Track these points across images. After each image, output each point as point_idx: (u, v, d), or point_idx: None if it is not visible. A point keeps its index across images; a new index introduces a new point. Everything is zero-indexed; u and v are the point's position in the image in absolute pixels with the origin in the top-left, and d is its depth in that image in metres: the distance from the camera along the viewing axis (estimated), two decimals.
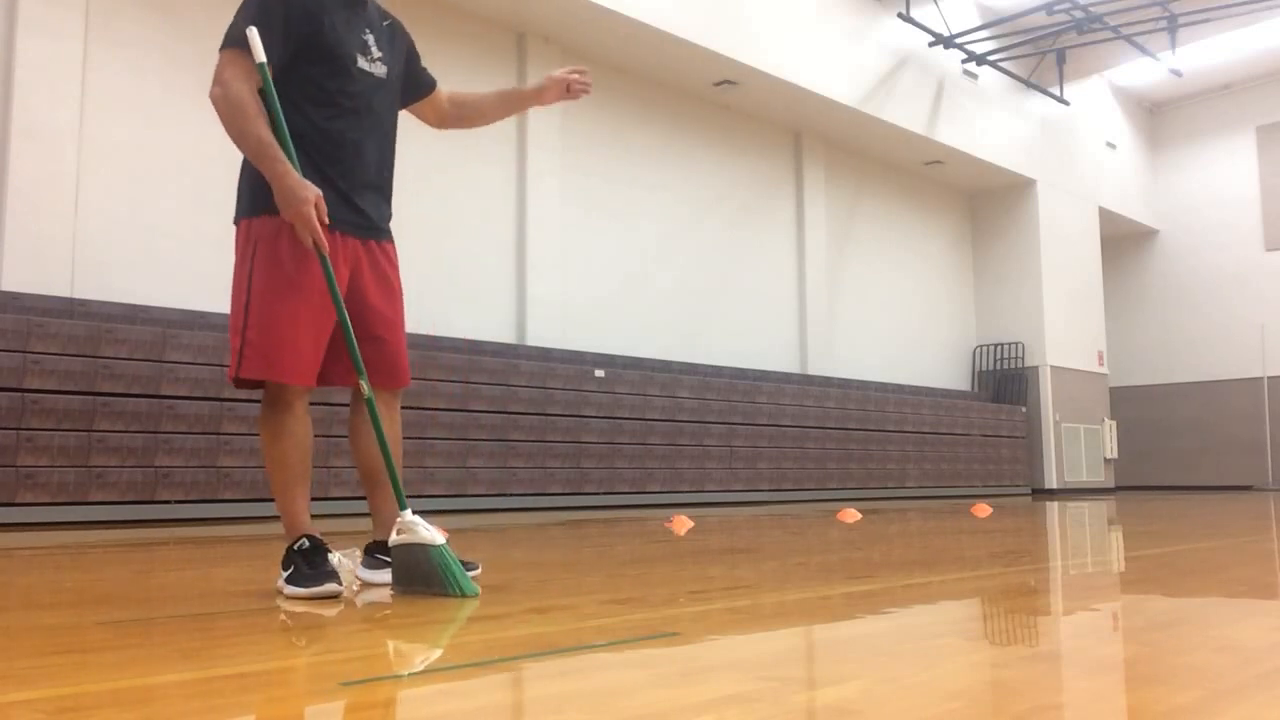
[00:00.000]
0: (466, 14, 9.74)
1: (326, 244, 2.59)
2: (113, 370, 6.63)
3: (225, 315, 7.70)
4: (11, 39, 7.14)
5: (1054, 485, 15.46)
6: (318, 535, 2.68)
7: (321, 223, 2.56)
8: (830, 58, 12.34)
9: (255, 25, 2.58)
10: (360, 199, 2.78)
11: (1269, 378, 17.13)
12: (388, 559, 2.76)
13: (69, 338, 6.49)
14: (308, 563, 2.60)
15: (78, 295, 7.21)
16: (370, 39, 2.81)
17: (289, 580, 2.60)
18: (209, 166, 8.08)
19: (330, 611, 2.44)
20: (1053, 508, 9.89)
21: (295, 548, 2.64)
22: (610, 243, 11.03)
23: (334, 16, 2.72)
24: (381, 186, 2.88)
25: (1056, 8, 13.42)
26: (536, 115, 10.23)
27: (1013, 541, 5.09)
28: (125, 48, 7.72)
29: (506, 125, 10.08)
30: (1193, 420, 17.81)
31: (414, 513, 2.64)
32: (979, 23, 14.22)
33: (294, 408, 2.70)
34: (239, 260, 2.71)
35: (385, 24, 2.93)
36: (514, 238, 10.08)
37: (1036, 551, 4.53)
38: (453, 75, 9.66)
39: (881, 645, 2.01)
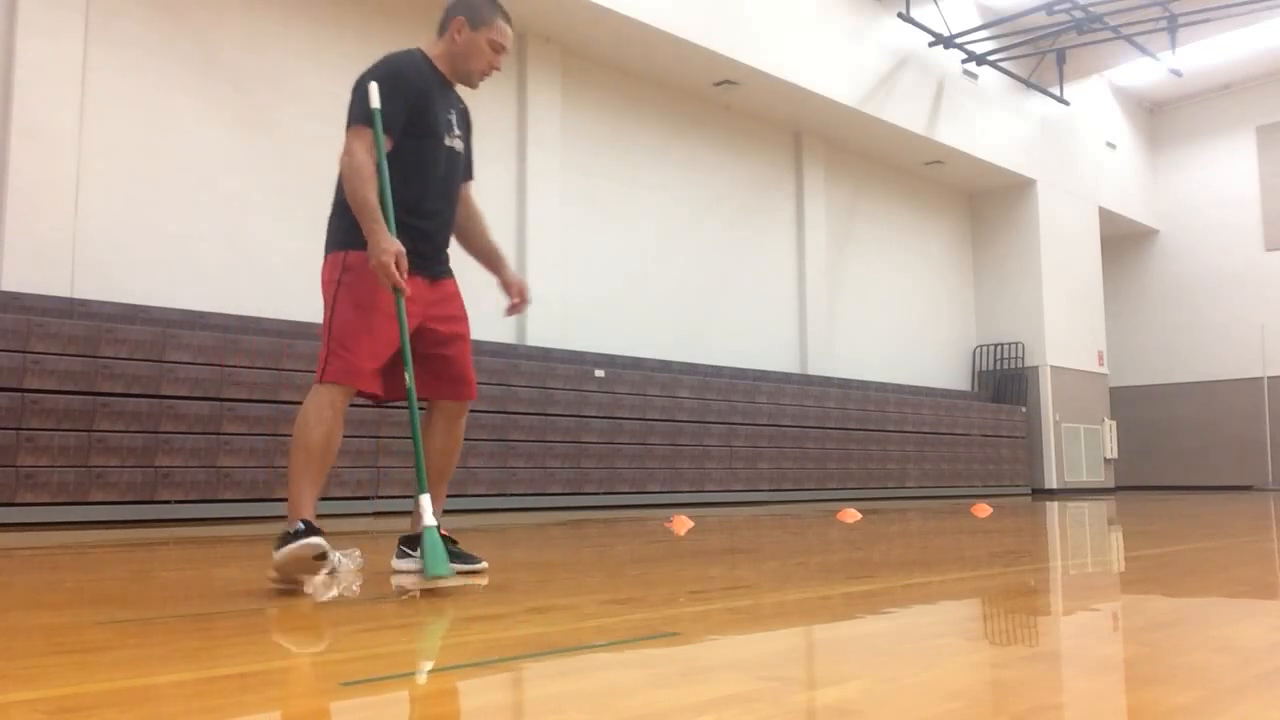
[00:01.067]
0: None
1: (406, 289, 2.99)
2: (113, 370, 6.63)
3: (225, 315, 7.75)
4: (11, 39, 7.14)
5: (1054, 485, 15.46)
6: (314, 523, 2.85)
7: (401, 271, 2.94)
8: (830, 58, 12.34)
9: (380, 95, 3.06)
10: (435, 257, 3.25)
11: (1269, 378, 17.13)
12: (411, 552, 3.22)
13: (69, 338, 6.50)
14: (294, 534, 2.78)
15: (78, 295, 7.21)
16: (452, 118, 3.29)
17: (276, 548, 2.76)
18: (209, 166, 8.08)
19: (330, 611, 2.45)
20: (1053, 508, 9.89)
21: (291, 531, 2.81)
22: (610, 243, 11.03)
23: (435, 96, 3.20)
24: (447, 235, 3.34)
25: (1056, 8, 13.42)
26: (536, 115, 10.23)
27: (1013, 541, 5.09)
28: (125, 48, 7.72)
29: (506, 124, 10.08)
30: (1193, 420, 17.81)
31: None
32: (979, 23, 14.22)
33: (337, 406, 3.02)
34: (327, 284, 3.12)
35: (461, 107, 3.39)
36: (514, 238, 10.08)
37: (1036, 551, 4.53)
38: None
39: (881, 645, 2.01)
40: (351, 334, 3.01)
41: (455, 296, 3.34)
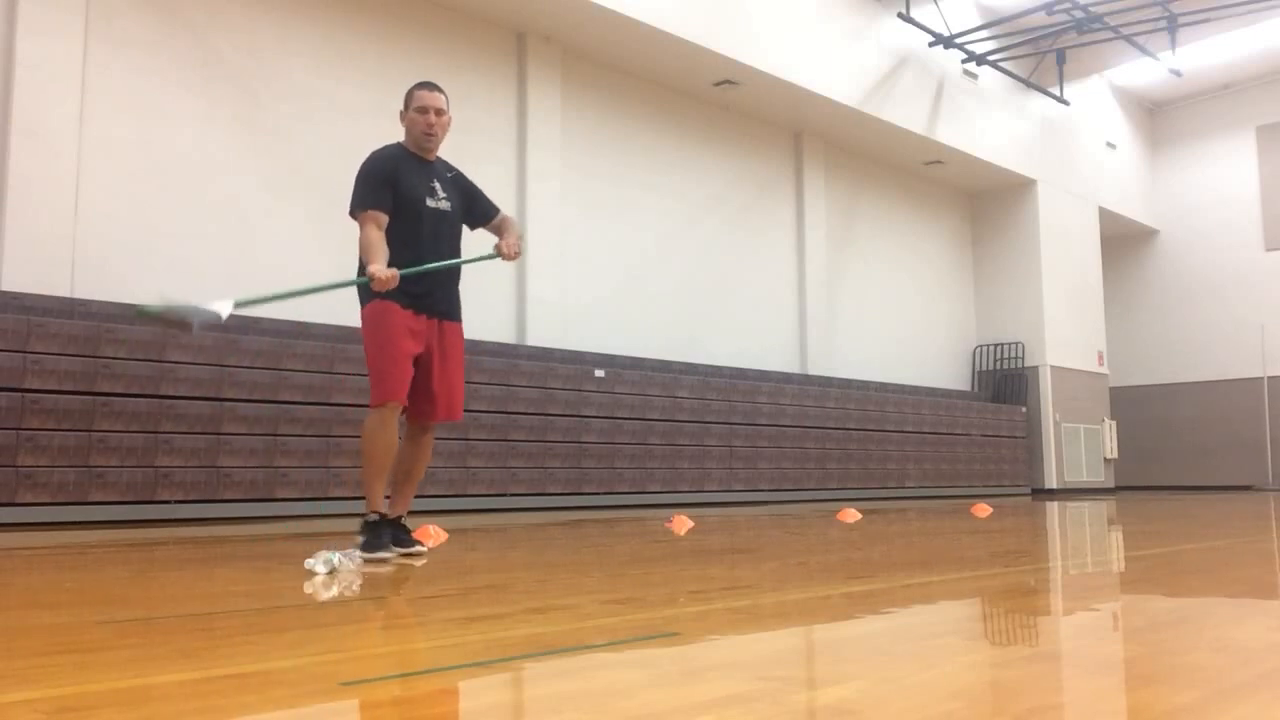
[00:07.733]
0: (466, 14, 9.73)
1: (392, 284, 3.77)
2: (113, 370, 6.63)
3: None
4: (11, 39, 7.13)
5: (1054, 485, 15.45)
6: (385, 512, 3.90)
7: (390, 282, 3.74)
8: (830, 58, 12.33)
9: (369, 188, 3.92)
10: (430, 296, 3.98)
11: (1269, 378, 17.12)
12: (405, 536, 4.03)
13: (69, 338, 6.49)
14: (375, 535, 3.80)
15: (78, 295, 7.21)
16: (436, 185, 4.05)
17: (361, 548, 3.69)
18: (209, 165, 8.07)
19: (330, 611, 2.45)
20: (1053, 508, 9.89)
21: (368, 520, 3.85)
22: (610, 243, 11.02)
23: (407, 174, 3.98)
24: (447, 284, 4.05)
25: (1056, 8, 13.41)
26: (536, 115, 10.22)
27: (1013, 541, 5.09)
28: (125, 48, 7.71)
29: (506, 125, 10.08)
30: (1193, 420, 17.80)
31: None
32: (979, 23, 14.21)
33: (386, 420, 3.87)
34: (362, 332, 3.98)
35: (450, 175, 4.17)
36: None
37: (1036, 551, 4.53)
38: (453, 75, 9.68)
39: (881, 645, 2.01)
40: (379, 367, 3.87)
41: (455, 344, 4.10)
